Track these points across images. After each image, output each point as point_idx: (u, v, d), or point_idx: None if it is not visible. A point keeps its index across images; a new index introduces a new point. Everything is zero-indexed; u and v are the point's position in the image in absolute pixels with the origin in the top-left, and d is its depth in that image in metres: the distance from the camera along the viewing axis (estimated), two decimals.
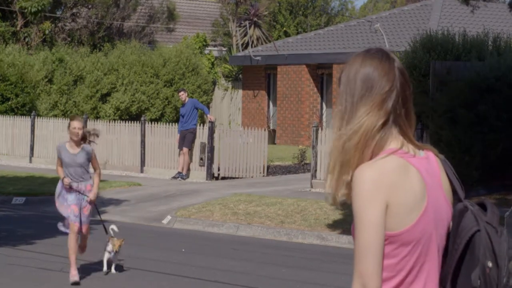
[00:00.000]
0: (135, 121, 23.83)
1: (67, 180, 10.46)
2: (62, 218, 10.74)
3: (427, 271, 2.88)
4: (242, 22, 35.46)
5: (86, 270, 10.93)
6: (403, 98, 2.91)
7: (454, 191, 3.00)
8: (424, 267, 2.87)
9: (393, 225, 2.80)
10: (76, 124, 10.48)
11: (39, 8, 30.88)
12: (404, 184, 2.82)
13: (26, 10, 31.10)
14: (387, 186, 2.79)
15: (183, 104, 22.13)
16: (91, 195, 10.59)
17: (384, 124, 2.89)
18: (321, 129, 19.96)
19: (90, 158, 10.66)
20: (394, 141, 2.89)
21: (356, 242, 2.79)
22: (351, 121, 2.88)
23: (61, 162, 10.58)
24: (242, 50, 33.54)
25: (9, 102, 27.40)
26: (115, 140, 23.61)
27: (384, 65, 2.91)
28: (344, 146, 2.87)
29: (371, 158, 2.87)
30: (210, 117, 22.23)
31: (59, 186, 10.71)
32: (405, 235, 2.81)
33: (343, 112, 2.90)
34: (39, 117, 26.03)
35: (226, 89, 32.93)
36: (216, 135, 21.66)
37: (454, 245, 2.87)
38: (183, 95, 22.03)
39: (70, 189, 10.52)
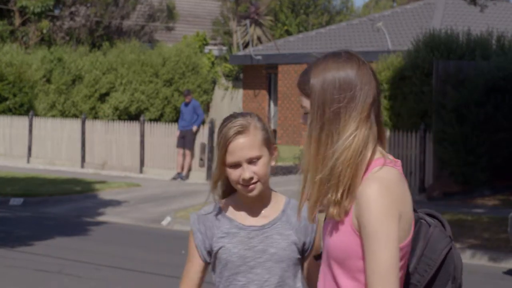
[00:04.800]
0: (134, 121, 23.63)
1: None
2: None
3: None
4: (243, 20, 35.27)
5: (84, 270, 10.72)
6: (379, 104, 2.74)
7: None
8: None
9: (400, 237, 2.66)
10: (246, 141, 3.25)
11: (42, 9, 30.75)
12: (406, 194, 2.69)
13: (27, 10, 30.94)
14: (398, 198, 2.64)
15: (186, 103, 21.90)
16: None
17: (371, 135, 2.71)
18: None
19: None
20: (377, 151, 2.73)
21: (374, 262, 2.59)
22: (335, 133, 2.66)
23: (201, 272, 3.36)
24: (243, 49, 33.36)
25: (7, 102, 27.19)
26: (114, 141, 23.43)
27: (363, 71, 2.71)
28: (335, 163, 2.65)
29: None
30: (195, 127, 21.77)
31: None
32: (406, 248, 2.70)
33: (322, 123, 2.67)
34: (37, 117, 25.86)
35: (226, 89, 32.76)
36: (216, 135, 21.45)
37: (427, 261, 2.75)
38: (188, 98, 21.87)
39: None
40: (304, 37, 31.31)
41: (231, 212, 3.31)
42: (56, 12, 33.43)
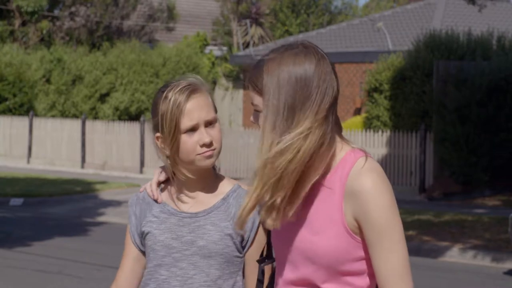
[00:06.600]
0: (134, 122, 23.60)
1: None
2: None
3: None
4: (243, 21, 35.24)
5: (84, 271, 10.69)
6: (336, 101, 2.50)
7: None
8: None
9: None
10: (202, 100, 2.83)
11: (35, 9, 30.73)
12: None
13: (22, 10, 30.96)
14: (391, 189, 2.47)
15: None
16: None
17: (331, 134, 2.45)
18: None
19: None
20: (343, 144, 2.51)
21: (391, 260, 2.41)
22: (289, 135, 2.39)
23: (135, 263, 2.99)
24: (243, 50, 33.33)
25: (7, 102, 27.17)
26: (114, 141, 23.39)
27: (322, 66, 2.44)
28: (279, 160, 2.39)
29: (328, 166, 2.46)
30: None
31: None
32: None
33: (274, 123, 2.41)
34: (37, 117, 25.83)
35: (226, 89, 32.74)
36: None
37: None
38: None
39: None
40: (304, 37, 31.29)
41: (166, 194, 2.85)
42: (56, 12, 33.41)
